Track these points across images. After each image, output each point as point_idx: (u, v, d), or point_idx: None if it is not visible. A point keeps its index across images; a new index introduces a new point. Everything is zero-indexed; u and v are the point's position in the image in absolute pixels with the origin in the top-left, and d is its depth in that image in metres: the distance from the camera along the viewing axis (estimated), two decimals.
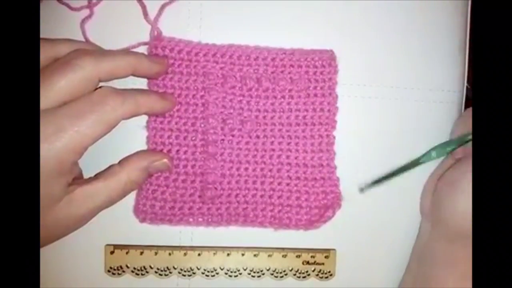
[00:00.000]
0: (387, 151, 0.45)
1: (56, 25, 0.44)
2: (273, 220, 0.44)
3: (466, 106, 0.47)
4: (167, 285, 0.45)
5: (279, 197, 0.44)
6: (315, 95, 0.44)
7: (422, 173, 0.45)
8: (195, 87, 0.44)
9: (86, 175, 0.42)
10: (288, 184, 0.44)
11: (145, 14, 0.43)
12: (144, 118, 0.43)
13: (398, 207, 0.46)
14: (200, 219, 0.44)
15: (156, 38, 0.43)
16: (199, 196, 0.44)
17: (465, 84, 0.47)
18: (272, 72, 0.44)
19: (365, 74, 0.45)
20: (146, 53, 0.43)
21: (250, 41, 0.44)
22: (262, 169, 0.44)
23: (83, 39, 0.43)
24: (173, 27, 0.44)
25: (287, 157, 0.44)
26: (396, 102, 0.45)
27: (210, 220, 0.44)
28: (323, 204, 0.44)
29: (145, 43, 0.43)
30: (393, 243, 0.46)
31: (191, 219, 0.44)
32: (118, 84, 0.43)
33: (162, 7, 0.44)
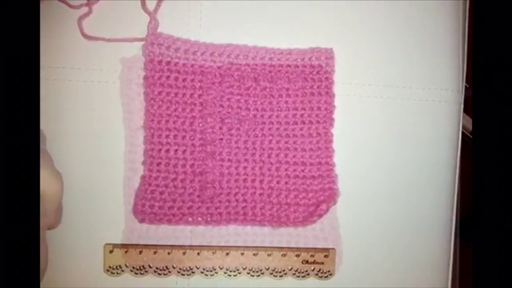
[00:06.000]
0: (386, 150, 0.45)
1: (55, 22, 0.44)
2: (271, 218, 0.44)
3: (466, 106, 0.47)
4: (166, 284, 0.44)
5: (277, 195, 0.44)
6: (312, 93, 0.44)
7: (422, 173, 0.45)
8: (193, 86, 0.44)
9: (85, 175, 0.43)
10: (286, 183, 0.44)
11: (143, 4, 0.43)
12: (142, 118, 0.43)
13: (398, 206, 0.46)
14: (200, 219, 0.44)
15: (153, 33, 0.43)
16: (198, 196, 0.43)
17: (464, 83, 0.47)
18: (270, 71, 0.44)
19: (364, 73, 0.45)
20: (141, 50, 0.43)
21: (251, 41, 0.44)
22: (260, 168, 0.44)
23: (80, 36, 0.43)
24: (173, 27, 0.44)
25: (285, 155, 0.44)
26: (396, 101, 0.45)
27: (209, 219, 0.44)
28: (320, 201, 0.44)
29: (141, 39, 0.43)
30: (392, 242, 0.46)
31: (190, 219, 0.44)
32: (114, 80, 0.44)
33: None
